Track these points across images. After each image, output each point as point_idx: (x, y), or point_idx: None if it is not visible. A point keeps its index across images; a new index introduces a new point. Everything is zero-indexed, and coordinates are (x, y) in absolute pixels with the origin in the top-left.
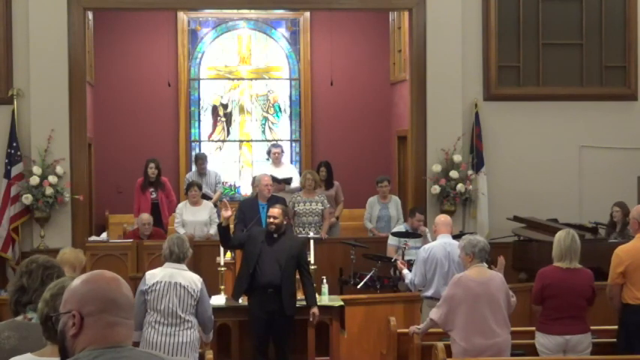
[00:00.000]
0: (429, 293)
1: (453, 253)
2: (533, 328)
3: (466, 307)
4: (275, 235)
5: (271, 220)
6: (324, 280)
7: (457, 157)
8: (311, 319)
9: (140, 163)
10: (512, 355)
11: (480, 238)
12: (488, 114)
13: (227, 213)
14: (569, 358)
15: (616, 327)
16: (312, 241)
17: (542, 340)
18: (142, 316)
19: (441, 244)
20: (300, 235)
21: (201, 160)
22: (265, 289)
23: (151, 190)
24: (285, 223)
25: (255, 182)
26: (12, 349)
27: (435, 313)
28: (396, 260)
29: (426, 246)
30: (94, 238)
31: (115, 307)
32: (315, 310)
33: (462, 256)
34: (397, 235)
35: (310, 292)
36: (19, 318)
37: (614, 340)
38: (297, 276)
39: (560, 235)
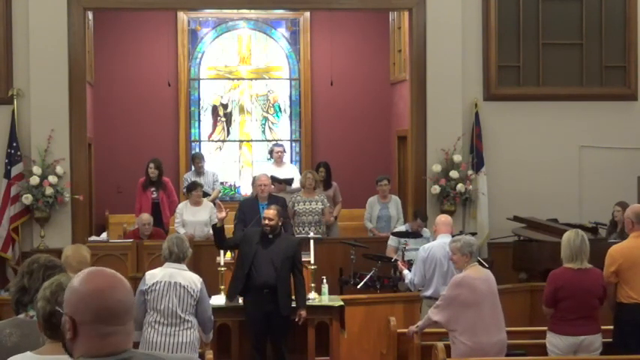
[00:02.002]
0: (428, 293)
1: None
2: (534, 328)
3: (473, 306)
4: (270, 236)
5: (266, 221)
6: (324, 280)
7: (457, 157)
8: (296, 319)
9: (140, 163)
10: (513, 355)
11: (472, 238)
12: (488, 114)
13: (222, 214)
14: (573, 358)
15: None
16: (312, 241)
17: (554, 340)
18: (141, 316)
19: (441, 243)
20: (300, 235)
21: (198, 158)
22: (261, 289)
23: (152, 189)
24: (280, 224)
25: (254, 182)
26: (14, 346)
27: (436, 315)
28: (396, 260)
29: (426, 246)
30: (94, 238)
31: (108, 317)
32: (302, 312)
33: (456, 257)
34: (398, 235)
35: (301, 293)
36: (21, 316)
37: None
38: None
39: (569, 235)
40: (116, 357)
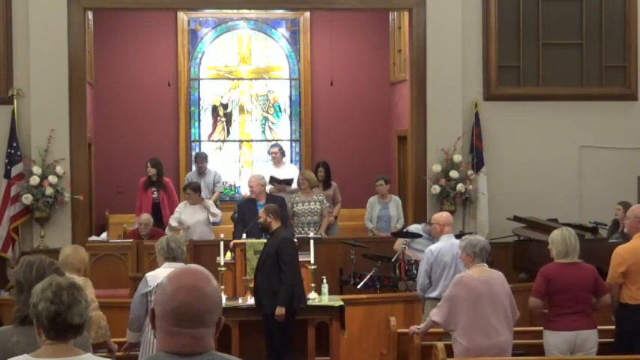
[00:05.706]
0: (433, 294)
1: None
2: (534, 328)
3: (468, 306)
4: (269, 236)
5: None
6: (324, 280)
7: (457, 157)
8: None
9: (140, 163)
10: (513, 355)
11: (480, 238)
12: (488, 114)
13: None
14: (570, 358)
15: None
16: (312, 241)
17: (550, 338)
18: (143, 318)
19: (448, 245)
20: (299, 235)
21: (200, 158)
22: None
23: (153, 189)
24: (269, 221)
25: None
26: (22, 353)
27: (436, 315)
28: (397, 260)
29: (433, 247)
30: (94, 238)
31: (171, 317)
32: (278, 310)
33: (462, 256)
34: (398, 235)
35: (280, 291)
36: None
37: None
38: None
39: (563, 233)
40: (194, 358)
